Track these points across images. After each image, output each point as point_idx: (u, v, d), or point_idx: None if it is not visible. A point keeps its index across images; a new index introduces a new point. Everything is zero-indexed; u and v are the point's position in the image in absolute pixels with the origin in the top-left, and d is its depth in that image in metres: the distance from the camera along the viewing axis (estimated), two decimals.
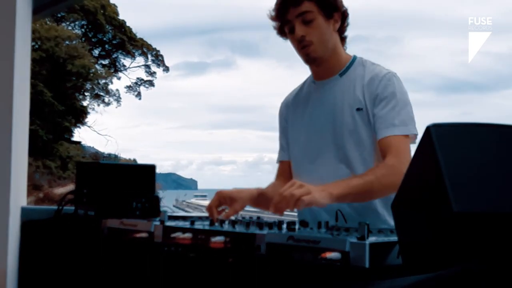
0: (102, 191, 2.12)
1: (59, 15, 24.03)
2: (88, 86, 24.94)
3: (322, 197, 1.58)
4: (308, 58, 1.89)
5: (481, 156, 1.11)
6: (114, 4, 25.85)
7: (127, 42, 26.10)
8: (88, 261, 2.04)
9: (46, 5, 3.05)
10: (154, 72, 27.46)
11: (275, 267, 1.37)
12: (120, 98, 26.28)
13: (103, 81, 25.59)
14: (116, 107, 26.56)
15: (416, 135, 1.80)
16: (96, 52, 26.39)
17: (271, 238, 1.39)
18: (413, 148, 1.86)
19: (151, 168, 2.26)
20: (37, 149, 19.93)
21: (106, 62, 26.88)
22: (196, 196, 55.85)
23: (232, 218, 1.69)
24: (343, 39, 1.95)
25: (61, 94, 22.70)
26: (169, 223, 1.72)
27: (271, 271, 1.38)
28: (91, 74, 24.27)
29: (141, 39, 26.79)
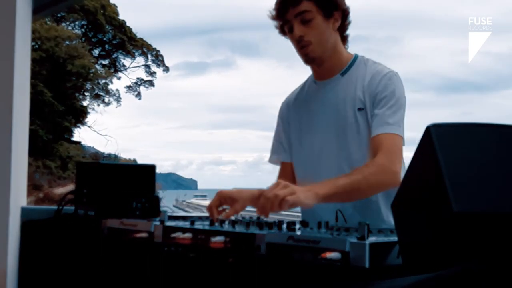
0: (102, 191, 2.12)
1: (59, 15, 24.04)
2: (88, 86, 24.96)
3: (307, 197, 1.57)
4: (307, 58, 1.88)
5: (481, 156, 1.11)
6: (114, 4, 25.87)
7: (127, 42, 26.12)
8: (88, 261, 2.04)
9: (46, 5, 3.05)
10: (154, 72, 27.50)
11: (275, 267, 1.37)
12: (120, 98, 26.33)
13: (103, 81, 25.62)
14: (116, 107, 26.62)
15: (402, 138, 1.79)
16: (96, 52, 26.41)
17: (271, 238, 1.39)
18: (413, 148, 1.87)
19: (151, 168, 2.26)
20: (37, 149, 19.94)
21: (106, 62, 26.91)
22: (196, 196, 55.89)
23: (232, 218, 1.69)
24: (344, 38, 1.94)
25: (61, 94, 22.71)
26: (169, 223, 1.72)
27: (271, 271, 1.38)
28: (91, 74, 24.29)
29: (141, 39, 26.80)
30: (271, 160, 2.08)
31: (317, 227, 1.51)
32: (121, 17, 26.04)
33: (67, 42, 23.15)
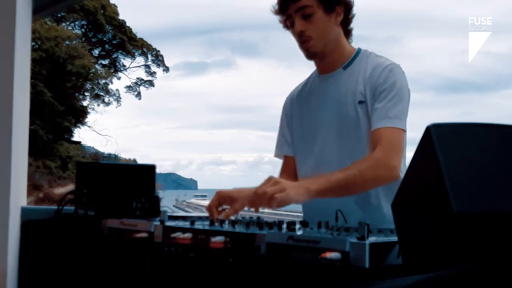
0: (102, 191, 2.12)
1: (59, 15, 24.04)
2: (88, 86, 24.95)
3: (297, 194, 1.57)
4: (308, 53, 1.88)
5: (481, 156, 1.11)
6: (114, 4, 25.86)
7: (127, 42, 26.11)
8: (88, 261, 2.04)
9: (46, 5, 3.05)
10: (154, 72, 27.50)
11: (275, 267, 1.37)
12: (120, 98, 26.33)
13: (103, 81, 25.62)
14: (116, 107, 26.62)
15: (404, 131, 1.77)
16: (96, 52, 26.41)
17: (271, 238, 1.39)
18: (413, 148, 1.86)
19: (151, 168, 2.26)
20: (37, 149, 19.93)
21: (106, 62, 26.90)
22: (196, 196, 55.87)
23: (232, 218, 1.69)
24: (348, 32, 1.93)
25: (61, 94, 22.70)
26: (169, 223, 1.72)
27: (271, 271, 1.38)
28: (91, 74, 24.28)
29: (141, 39, 26.80)
30: (275, 154, 2.09)
31: (317, 227, 1.51)
32: (121, 17, 26.07)
33: (67, 42, 23.15)
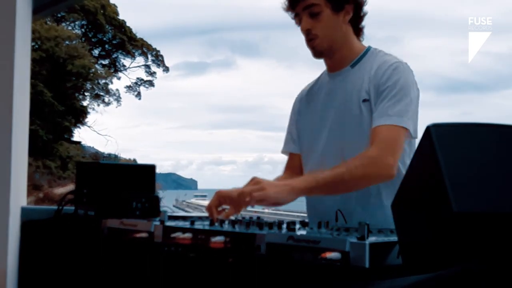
0: (102, 191, 2.12)
1: (59, 15, 24.04)
2: (88, 86, 24.96)
3: (278, 192, 1.58)
4: (315, 51, 1.88)
5: (481, 156, 1.11)
6: (114, 4, 25.87)
7: (127, 42, 26.11)
8: (88, 261, 2.04)
9: (46, 5, 3.05)
10: (154, 72, 27.50)
11: (275, 267, 1.37)
12: (120, 98, 26.33)
13: (103, 81, 25.61)
14: (116, 107, 26.62)
15: (407, 129, 1.74)
16: (96, 52, 26.41)
17: (271, 238, 1.39)
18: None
19: (151, 168, 2.26)
20: (37, 149, 19.93)
21: (106, 62, 26.91)
22: (196, 196, 55.88)
23: (232, 218, 1.69)
24: (359, 30, 1.92)
25: (61, 94, 22.70)
26: (169, 223, 1.72)
27: (271, 271, 1.38)
28: (91, 74, 24.29)
29: (141, 39, 26.80)
30: (282, 151, 2.09)
31: (317, 227, 1.51)
32: (121, 17, 26.07)
33: (67, 42, 23.15)
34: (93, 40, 25.96)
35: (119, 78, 27.19)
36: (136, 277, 1.82)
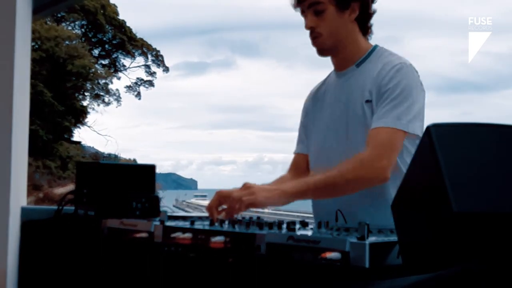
0: (102, 191, 2.12)
1: (59, 15, 24.05)
2: (88, 86, 24.96)
3: (268, 197, 1.62)
4: (318, 50, 1.88)
5: (481, 156, 1.11)
6: (114, 4, 25.88)
7: (127, 42, 26.13)
8: (88, 261, 2.04)
9: (46, 5, 3.05)
10: (154, 72, 27.51)
11: (275, 267, 1.37)
12: (120, 98, 26.34)
13: (103, 81, 25.62)
14: (116, 107, 26.63)
15: (404, 132, 1.71)
16: (96, 52, 26.42)
17: (271, 238, 1.39)
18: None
19: (151, 168, 2.26)
20: (37, 149, 19.94)
21: (106, 62, 26.92)
22: (196, 196, 55.90)
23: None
24: (367, 28, 1.90)
25: (61, 94, 22.71)
26: (169, 223, 1.72)
27: (271, 271, 1.38)
28: (91, 74, 24.29)
29: (141, 39, 26.81)
30: (294, 152, 2.09)
31: (317, 227, 1.51)
32: (121, 17, 26.09)
33: (67, 42, 23.16)
34: (93, 40, 25.97)
35: (119, 78, 27.23)
36: (136, 277, 1.82)
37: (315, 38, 1.85)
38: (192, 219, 1.70)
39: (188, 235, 1.60)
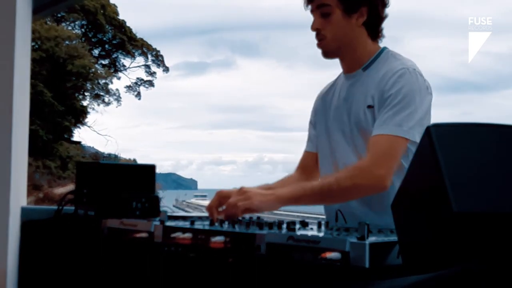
0: (102, 191, 2.12)
1: (59, 15, 24.05)
2: (88, 86, 24.95)
3: (263, 202, 1.63)
4: (322, 52, 1.87)
5: (481, 156, 1.11)
6: (114, 4, 25.87)
7: (127, 42, 26.12)
8: (88, 261, 2.04)
9: (46, 5, 3.05)
10: (154, 72, 27.50)
11: (275, 267, 1.37)
12: (120, 98, 26.33)
13: (103, 81, 25.61)
14: (116, 107, 26.62)
15: (405, 139, 1.68)
16: (96, 52, 26.41)
17: (271, 238, 1.39)
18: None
19: (151, 168, 2.26)
20: (37, 149, 19.94)
21: (106, 62, 26.91)
22: (196, 196, 55.93)
23: None
24: (376, 32, 1.86)
25: (61, 94, 22.71)
26: (169, 223, 1.72)
27: (271, 271, 1.38)
28: (91, 74, 24.29)
29: (141, 39, 26.81)
30: (304, 150, 2.09)
31: (317, 227, 1.52)
32: (121, 17, 26.07)
33: (67, 42, 23.15)
34: (93, 40, 25.96)
35: (119, 78, 27.21)
36: (136, 277, 1.82)
37: (320, 40, 1.84)
38: (192, 219, 1.70)
39: (188, 235, 1.60)
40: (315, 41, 1.88)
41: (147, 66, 27.28)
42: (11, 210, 2.47)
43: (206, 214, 1.82)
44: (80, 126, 24.96)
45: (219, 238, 1.51)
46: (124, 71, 27.28)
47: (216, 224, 1.65)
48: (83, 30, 25.80)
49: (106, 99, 25.74)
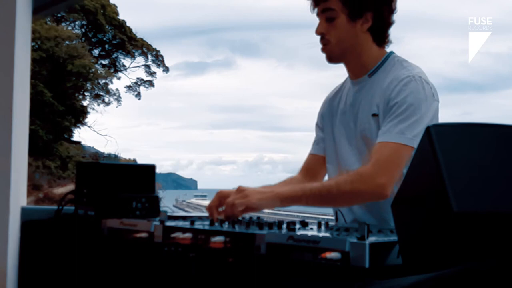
0: (102, 191, 2.12)
1: (59, 15, 24.04)
2: (88, 86, 24.95)
3: (261, 199, 1.64)
4: (326, 57, 1.86)
5: (481, 156, 1.11)
6: (114, 4, 25.86)
7: (127, 42, 26.11)
8: (88, 261, 2.04)
9: (46, 5, 3.05)
10: (154, 72, 27.48)
11: (275, 267, 1.37)
12: (120, 98, 26.31)
13: (103, 81, 25.61)
14: (116, 107, 26.61)
15: (410, 147, 1.65)
16: (96, 52, 26.40)
17: (271, 238, 1.39)
18: None
19: (151, 168, 2.26)
20: (37, 149, 19.93)
21: (106, 62, 26.89)
22: (196, 196, 55.98)
23: None
24: (384, 37, 1.85)
25: (61, 94, 22.70)
26: (169, 223, 1.72)
27: (271, 271, 1.38)
28: (91, 74, 24.28)
29: (141, 39, 26.79)
30: (309, 152, 2.09)
31: (317, 227, 1.52)
32: (121, 17, 26.06)
33: (67, 42, 23.15)
34: (93, 40, 25.95)
35: (119, 78, 27.18)
36: (136, 277, 1.82)
37: (325, 45, 1.83)
38: (192, 219, 1.70)
39: (188, 235, 1.60)
40: (316, 42, 1.88)
41: (147, 66, 27.28)
42: (11, 210, 2.47)
43: (206, 214, 1.82)
44: (80, 126, 24.97)
45: (219, 238, 1.51)
46: (124, 71, 27.28)
47: (216, 224, 1.65)
48: (83, 30, 25.79)
49: (106, 99, 25.75)
